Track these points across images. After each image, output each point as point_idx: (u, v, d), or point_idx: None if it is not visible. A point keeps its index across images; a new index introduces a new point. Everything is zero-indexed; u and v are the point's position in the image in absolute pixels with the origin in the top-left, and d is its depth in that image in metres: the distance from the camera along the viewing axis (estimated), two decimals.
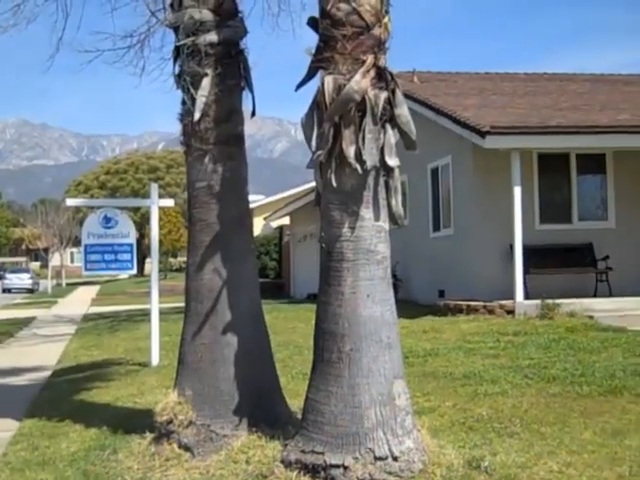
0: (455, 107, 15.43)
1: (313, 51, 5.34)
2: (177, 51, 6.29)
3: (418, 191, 18.34)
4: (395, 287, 19.15)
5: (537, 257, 14.71)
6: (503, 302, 13.62)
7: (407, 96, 16.89)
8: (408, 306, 16.14)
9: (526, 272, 14.03)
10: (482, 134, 13.47)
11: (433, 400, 7.45)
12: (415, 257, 18.51)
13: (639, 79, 20.76)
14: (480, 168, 15.21)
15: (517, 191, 13.52)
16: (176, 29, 6.28)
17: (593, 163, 15.64)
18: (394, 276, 18.67)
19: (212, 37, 6.11)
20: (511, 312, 13.39)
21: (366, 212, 5.22)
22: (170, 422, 5.84)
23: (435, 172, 17.46)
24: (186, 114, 6.23)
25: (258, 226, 34.80)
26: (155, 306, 11.26)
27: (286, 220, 30.52)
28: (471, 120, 14.09)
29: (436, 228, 17.52)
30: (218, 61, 6.13)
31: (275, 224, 32.54)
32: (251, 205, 30.89)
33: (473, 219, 15.53)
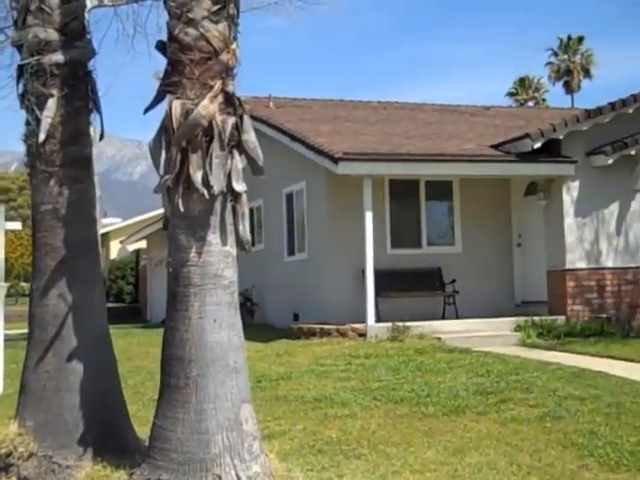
0: (309, 133, 15.65)
1: (161, 75, 5.33)
2: (21, 70, 6.13)
3: (274, 216, 18.48)
4: (251, 311, 19.23)
5: (388, 281, 15.07)
6: (355, 325, 13.86)
7: (262, 121, 17.22)
8: (263, 330, 16.18)
9: (378, 295, 14.35)
10: (335, 160, 13.72)
11: (284, 424, 7.50)
12: (271, 281, 18.60)
13: (484, 111, 21.71)
14: (333, 193, 15.47)
15: (369, 216, 13.83)
16: (20, 47, 6.13)
17: (441, 190, 16.20)
18: (249, 300, 18.75)
19: (58, 57, 5.99)
20: (363, 335, 13.63)
21: (213, 237, 5.23)
22: (10, 455, 5.62)
23: (290, 197, 17.63)
24: (31, 135, 6.06)
25: (114, 250, 34.06)
26: (0, 332, 10.83)
27: (143, 244, 30.04)
28: (324, 146, 14.33)
29: (291, 252, 17.66)
30: (64, 82, 6.00)
31: (132, 248, 31.95)
32: (108, 228, 30.02)
33: (326, 243, 15.76)
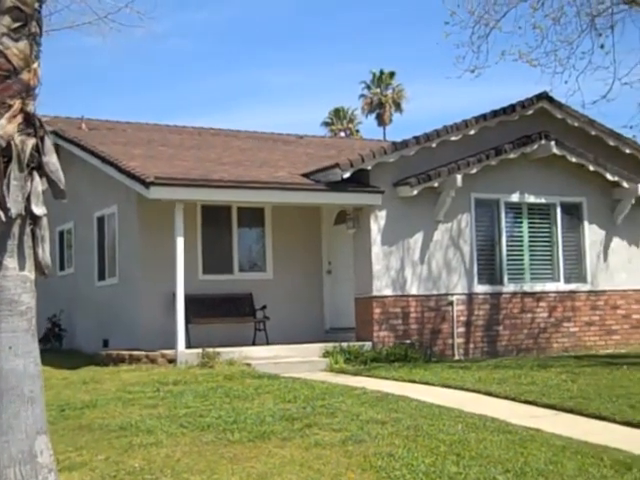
0: (122, 156, 15.40)
1: None
2: None
3: (84, 239, 18.01)
4: (59, 337, 18.54)
5: (200, 306, 15.04)
6: (165, 351, 13.70)
7: (74, 143, 16.79)
8: (71, 356, 15.74)
9: (189, 321, 14.28)
10: (146, 184, 13.56)
11: (86, 454, 7.28)
12: (81, 306, 18.09)
13: (297, 139, 22.16)
14: (145, 218, 15.29)
15: (180, 242, 13.75)
16: None
17: (253, 216, 16.37)
18: (58, 326, 18.15)
19: None
20: (173, 361, 13.49)
21: (10, 261, 5.05)
22: None
23: (101, 220, 17.26)
24: None
25: None
26: None
27: None
28: (136, 170, 14.14)
29: (101, 277, 17.26)
30: None
31: None
32: None
33: (137, 268, 15.53)
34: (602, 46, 14.63)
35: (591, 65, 14.73)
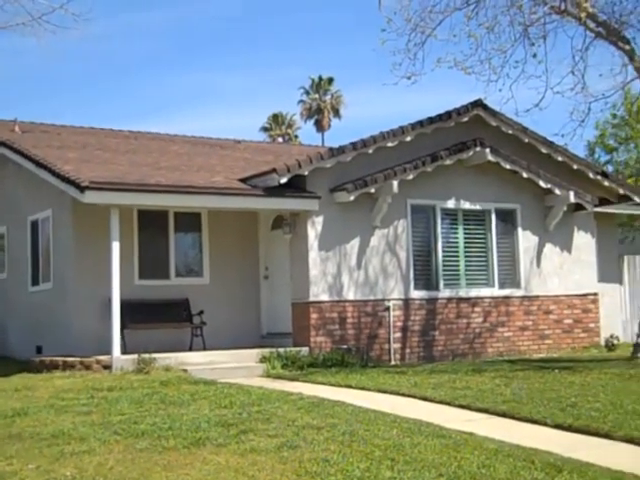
0: (56, 160, 15.17)
1: None
2: None
3: (18, 244, 17.71)
4: None
5: (136, 312, 14.89)
6: (100, 357, 13.54)
7: (7, 146, 16.51)
8: (3, 363, 15.53)
9: (125, 327, 14.15)
10: (81, 189, 13.36)
11: (16, 463, 7.14)
12: (14, 312, 17.78)
13: (235, 144, 22.10)
14: (80, 223, 15.10)
15: (115, 246, 13.59)
16: None
17: (190, 221, 16.27)
18: None
19: None
20: (108, 367, 13.33)
21: None
22: None
23: (35, 225, 16.99)
24: None
25: None
26: None
27: None
28: (71, 174, 13.93)
29: (35, 282, 16.99)
30: None
31: None
32: None
33: (72, 273, 15.32)
34: (535, 55, 14.89)
35: (524, 74, 14.98)
